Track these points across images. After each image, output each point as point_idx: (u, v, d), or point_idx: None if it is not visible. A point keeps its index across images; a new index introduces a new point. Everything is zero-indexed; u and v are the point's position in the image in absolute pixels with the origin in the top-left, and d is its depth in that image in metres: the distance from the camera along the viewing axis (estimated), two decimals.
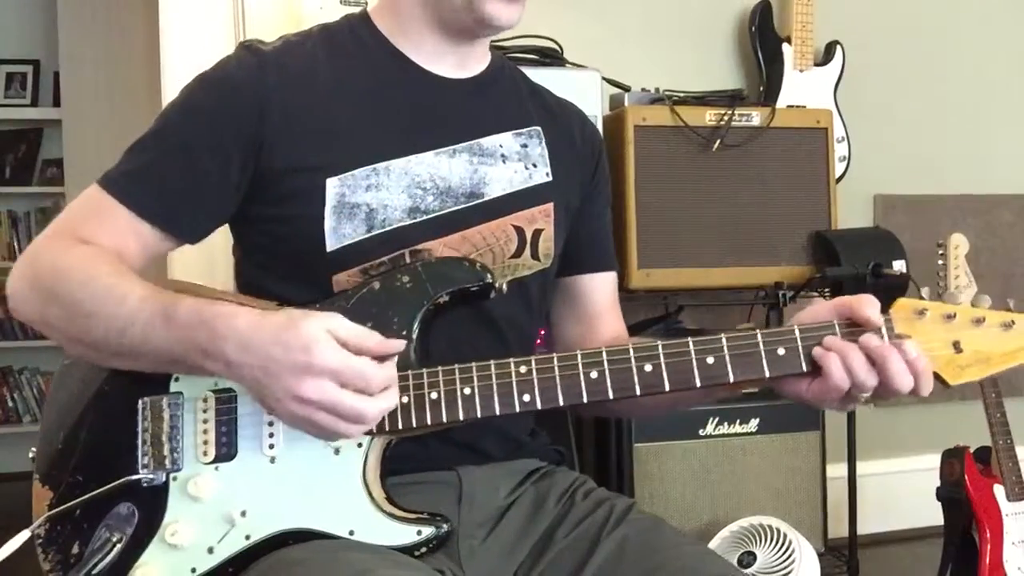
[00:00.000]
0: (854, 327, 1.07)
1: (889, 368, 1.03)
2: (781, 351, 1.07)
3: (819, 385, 1.07)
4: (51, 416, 1.16)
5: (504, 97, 1.32)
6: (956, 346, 1.06)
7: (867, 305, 1.07)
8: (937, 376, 1.06)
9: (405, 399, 1.07)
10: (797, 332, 1.08)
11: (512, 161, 1.26)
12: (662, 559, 1.12)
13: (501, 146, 1.27)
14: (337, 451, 1.08)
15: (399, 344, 1.03)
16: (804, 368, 1.07)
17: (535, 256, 1.26)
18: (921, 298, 1.09)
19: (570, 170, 1.32)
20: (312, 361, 0.97)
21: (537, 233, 1.26)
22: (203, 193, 1.17)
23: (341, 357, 0.98)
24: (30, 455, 1.15)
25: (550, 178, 1.29)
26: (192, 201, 1.17)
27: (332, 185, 1.16)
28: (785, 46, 2.73)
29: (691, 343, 1.08)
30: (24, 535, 1.08)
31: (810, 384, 1.08)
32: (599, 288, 1.38)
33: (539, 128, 1.31)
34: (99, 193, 1.16)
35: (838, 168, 2.66)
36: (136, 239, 1.15)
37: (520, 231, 1.25)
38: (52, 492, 1.11)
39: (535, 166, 1.28)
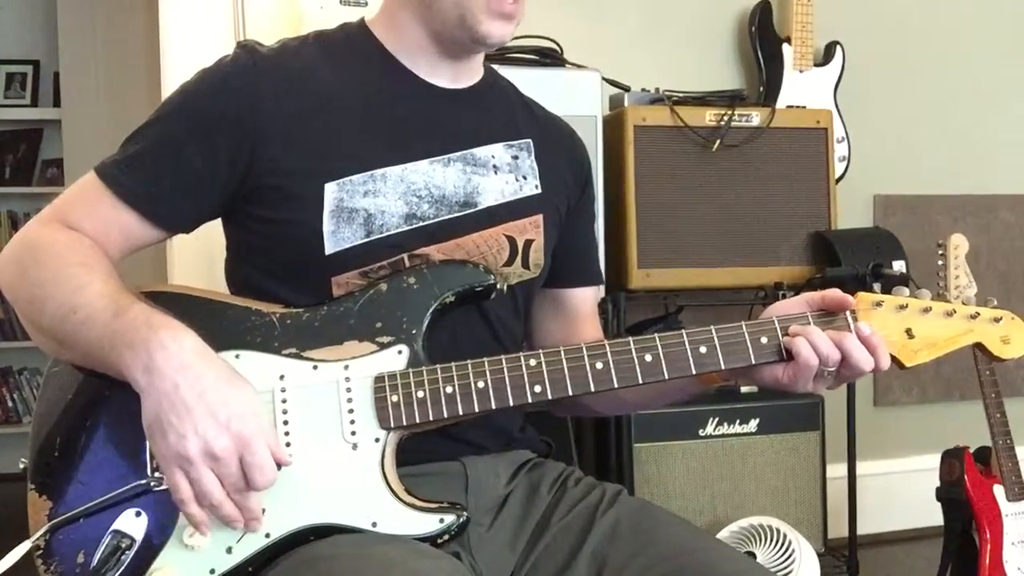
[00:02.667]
0: (824, 317, 1.18)
1: (847, 346, 1.14)
2: (764, 340, 1.17)
3: (792, 368, 1.15)
4: (44, 423, 1.15)
5: (497, 109, 1.34)
6: (908, 332, 1.20)
7: (835, 292, 1.19)
8: (894, 359, 1.19)
9: (421, 393, 1.11)
10: (776, 323, 1.17)
11: (503, 172, 1.29)
12: (654, 537, 1.17)
13: (493, 157, 1.29)
14: (355, 447, 1.10)
15: (286, 457, 1.05)
16: (783, 355, 1.16)
17: (525, 265, 1.29)
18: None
19: (558, 184, 1.35)
20: (242, 431, 1.00)
21: (528, 243, 1.29)
22: (189, 187, 1.18)
23: (260, 439, 1.01)
24: (21, 465, 1.14)
25: (539, 190, 1.31)
26: (177, 194, 1.18)
27: (330, 190, 1.18)
28: (785, 46, 2.73)
29: (685, 335, 1.16)
30: (26, 545, 1.07)
31: (785, 369, 1.16)
32: (584, 299, 1.43)
33: (529, 141, 1.33)
34: (93, 179, 1.19)
35: (838, 168, 2.66)
36: (119, 227, 1.18)
37: (512, 240, 1.28)
38: (51, 501, 1.10)
39: (525, 178, 1.31)
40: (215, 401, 1.00)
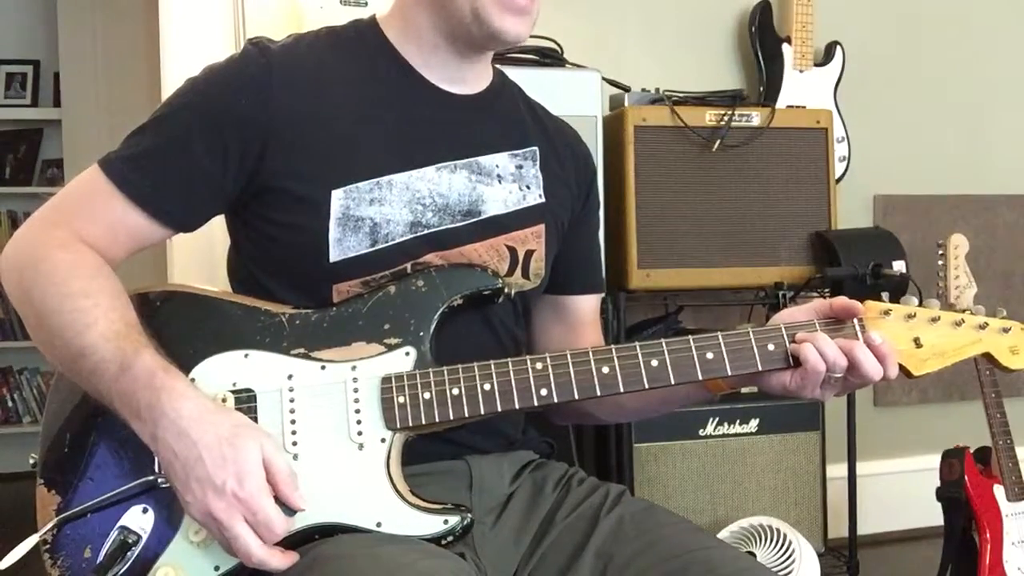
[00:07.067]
0: (832, 325, 1.18)
1: (857, 355, 1.14)
2: (771, 347, 1.16)
3: (800, 374, 1.15)
4: (55, 419, 1.16)
5: (504, 116, 1.33)
6: (916, 342, 1.20)
7: (843, 299, 1.18)
8: (902, 368, 1.19)
9: (427, 395, 1.12)
10: (784, 329, 1.17)
11: (508, 181, 1.29)
12: (658, 536, 1.18)
13: (498, 166, 1.29)
14: (361, 447, 1.11)
15: (300, 504, 1.05)
16: (791, 362, 1.16)
17: (526, 276, 1.30)
18: (896, 302, 1.23)
19: (562, 192, 1.35)
20: (237, 492, 1.01)
21: (529, 254, 1.29)
22: (197, 185, 1.18)
23: (261, 496, 1.01)
24: (31, 461, 1.15)
25: (543, 200, 1.32)
26: (186, 192, 1.18)
27: (337, 197, 1.18)
28: (785, 46, 2.73)
29: (691, 340, 1.15)
30: (33, 539, 1.08)
31: (792, 375, 1.16)
32: (586, 306, 1.43)
33: (535, 149, 1.33)
34: (97, 175, 1.17)
35: (838, 168, 2.66)
36: (127, 227, 1.17)
37: (513, 251, 1.28)
38: (60, 496, 1.11)
39: (529, 187, 1.31)
40: (211, 465, 1.01)
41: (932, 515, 2.27)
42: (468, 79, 1.29)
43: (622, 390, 1.14)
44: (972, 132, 3.10)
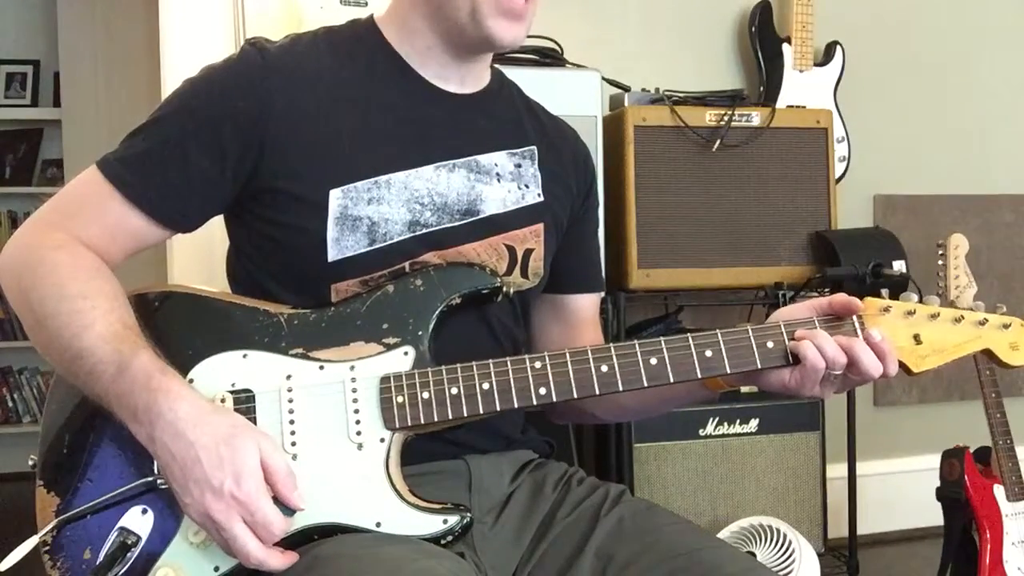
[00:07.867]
0: (831, 322, 1.18)
1: (856, 352, 1.14)
2: (770, 344, 1.16)
3: (799, 371, 1.15)
4: (54, 420, 1.16)
5: (502, 115, 1.33)
6: (916, 338, 1.19)
7: (842, 296, 1.18)
8: (902, 365, 1.18)
9: (426, 394, 1.12)
10: (783, 327, 1.17)
11: (506, 180, 1.29)
12: (658, 536, 1.18)
13: (496, 165, 1.29)
14: (360, 447, 1.11)
15: (299, 503, 1.05)
16: (790, 360, 1.16)
17: (524, 275, 1.30)
18: (895, 299, 1.22)
19: (561, 191, 1.35)
20: (235, 493, 1.01)
21: (528, 253, 1.29)
22: (196, 187, 1.18)
23: (259, 496, 1.02)
24: (30, 462, 1.15)
25: (542, 199, 1.32)
26: (184, 193, 1.18)
27: (335, 196, 1.18)
28: (785, 46, 2.73)
29: (691, 338, 1.15)
30: (33, 541, 1.08)
31: (791, 373, 1.16)
32: (586, 305, 1.43)
33: (534, 148, 1.33)
34: (96, 176, 1.18)
35: (838, 168, 2.66)
36: (127, 228, 1.17)
37: (511, 250, 1.28)
38: (59, 498, 1.11)
39: (527, 186, 1.31)
40: (209, 467, 1.01)
41: (932, 515, 2.27)
42: (466, 79, 1.29)
43: (621, 389, 1.14)
44: (972, 132, 3.10)
